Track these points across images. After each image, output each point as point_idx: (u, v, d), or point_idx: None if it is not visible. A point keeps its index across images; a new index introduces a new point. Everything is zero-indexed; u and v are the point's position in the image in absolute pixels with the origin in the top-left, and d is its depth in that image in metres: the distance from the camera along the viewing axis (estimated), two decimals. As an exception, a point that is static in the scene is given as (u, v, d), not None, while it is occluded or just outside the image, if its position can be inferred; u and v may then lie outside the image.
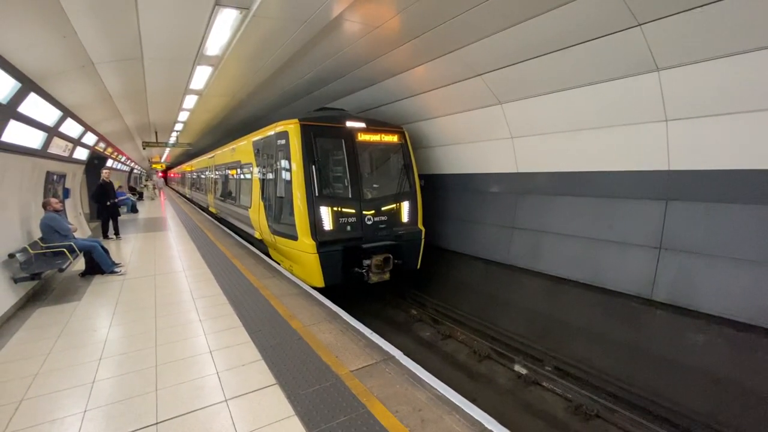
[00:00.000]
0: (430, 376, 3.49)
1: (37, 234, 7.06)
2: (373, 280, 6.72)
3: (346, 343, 4.14)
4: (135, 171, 37.07)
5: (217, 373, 3.54)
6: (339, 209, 6.70)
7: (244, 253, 8.77)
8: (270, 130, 7.71)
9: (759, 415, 4.10)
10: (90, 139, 11.45)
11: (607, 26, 4.41)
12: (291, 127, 6.79)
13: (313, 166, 6.59)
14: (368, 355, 3.85)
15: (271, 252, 8.45)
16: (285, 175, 6.93)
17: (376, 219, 7.10)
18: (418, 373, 3.52)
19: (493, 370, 5.86)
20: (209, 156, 16.55)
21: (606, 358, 5.41)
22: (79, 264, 7.19)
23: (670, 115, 4.67)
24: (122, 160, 22.45)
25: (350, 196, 6.96)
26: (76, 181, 12.39)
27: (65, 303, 5.55)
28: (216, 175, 14.82)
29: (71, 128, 9.15)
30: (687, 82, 4.33)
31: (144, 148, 17.44)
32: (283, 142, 6.96)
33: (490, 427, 2.80)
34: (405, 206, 7.55)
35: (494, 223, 7.90)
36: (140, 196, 26.01)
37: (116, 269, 7.05)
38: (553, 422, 4.74)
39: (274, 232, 7.37)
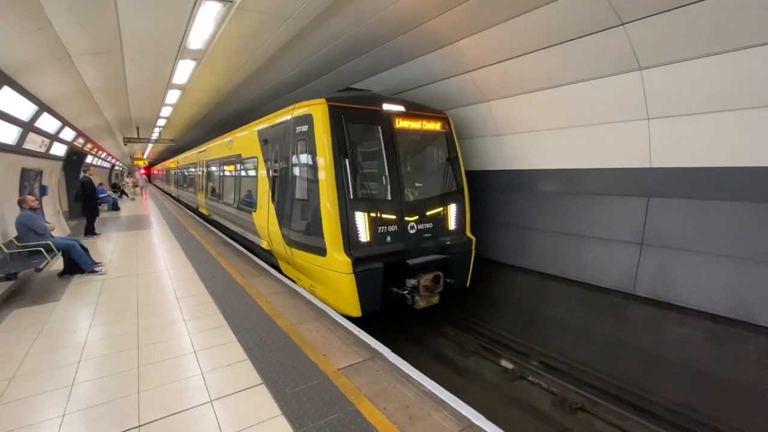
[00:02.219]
0: (418, 372, 3.50)
1: (13, 233, 6.82)
2: (421, 305, 5.46)
3: (334, 341, 4.12)
4: (116, 168, 36.23)
5: (202, 373, 3.47)
6: (378, 215, 5.33)
7: (229, 251, 8.65)
8: (284, 115, 6.24)
9: (736, 403, 4.24)
10: (68, 134, 11.11)
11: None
12: (317, 109, 5.33)
13: (347, 160, 5.18)
14: (356, 353, 3.84)
15: (282, 266, 7.06)
16: (307, 172, 5.59)
17: (420, 226, 5.75)
18: (405, 370, 3.52)
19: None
20: (199, 150, 14.65)
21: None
22: (58, 263, 6.99)
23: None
24: (102, 156, 21.88)
25: (390, 197, 5.57)
26: (53, 178, 12.03)
27: (43, 304, 5.37)
28: (208, 171, 12.97)
29: (48, 123, 8.86)
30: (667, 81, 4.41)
31: (125, 144, 17.01)
32: (304, 128, 5.55)
33: (477, 423, 2.82)
34: (452, 210, 6.20)
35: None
36: (122, 194, 25.39)
37: (96, 269, 6.87)
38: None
39: (291, 244, 5.94)
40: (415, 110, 6.14)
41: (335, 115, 5.28)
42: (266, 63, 7.35)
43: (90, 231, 10.71)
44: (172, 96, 10.16)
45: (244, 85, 9.23)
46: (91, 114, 11.26)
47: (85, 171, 11.21)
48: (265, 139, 7.12)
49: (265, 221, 6.88)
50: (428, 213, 5.91)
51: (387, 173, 5.63)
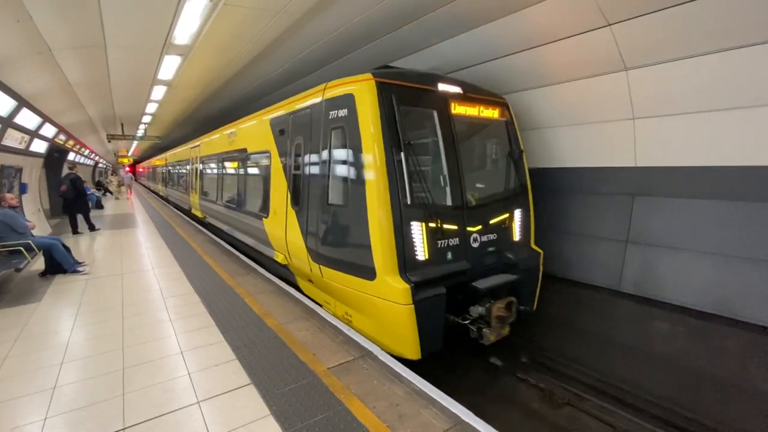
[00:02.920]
0: (408, 370, 3.50)
1: (-9, 232, 6.62)
2: (491, 339, 4.37)
3: (323, 340, 4.10)
4: (100, 165, 35.49)
5: (189, 374, 3.42)
6: (438, 225, 4.25)
7: (217, 250, 8.54)
8: (311, 98, 5.08)
9: (716, 396, 4.34)
10: (49, 130, 10.84)
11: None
12: (361, 89, 4.21)
13: (401, 155, 4.06)
14: (346, 352, 3.83)
15: (302, 284, 5.91)
16: (346, 171, 4.46)
17: (483, 238, 4.72)
18: (395, 368, 3.52)
19: None
20: (193, 145, 13.17)
21: None
22: (39, 263, 6.82)
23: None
24: (85, 153, 21.39)
25: (450, 202, 4.51)
26: (34, 175, 11.72)
27: (23, 305, 5.23)
28: (203, 169, 11.54)
29: (27, 119, 8.63)
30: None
31: (109, 141, 16.67)
32: (341, 113, 4.44)
33: (466, 420, 2.84)
34: (517, 217, 5.16)
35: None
36: (106, 191, 24.86)
37: (79, 268, 6.71)
38: None
39: (319, 260, 4.80)
40: (473, 92, 5.04)
41: (385, 96, 4.14)
42: (256, 58, 7.24)
43: (90, 227, 10.90)
44: (158, 92, 9.98)
45: (233, 81, 9.10)
46: (73, 110, 11.00)
47: (72, 168, 11.00)
48: (280, 130, 5.88)
49: (282, 230, 5.66)
50: (492, 221, 4.83)
51: (446, 171, 4.54)
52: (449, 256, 4.36)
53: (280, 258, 6.00)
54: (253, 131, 7.29)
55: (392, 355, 3.85)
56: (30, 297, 5.55)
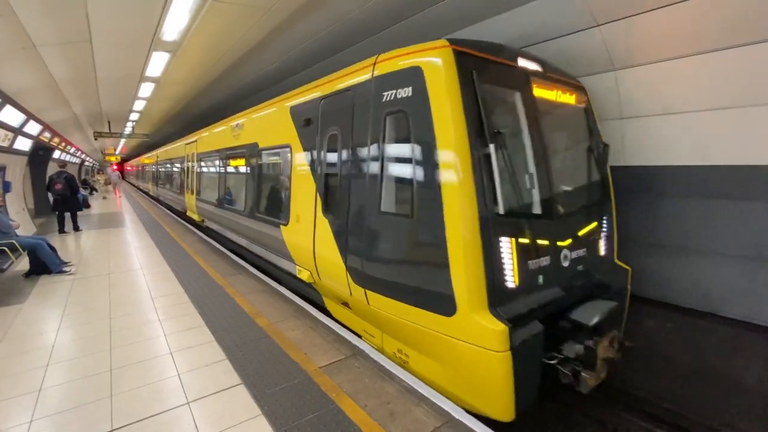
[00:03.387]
0: (399, 368, 3.52)
1: (-27, 231, 6.47)
2: (590, 385, 3.33)
3: (315, 339, 4.09)
4: (86, 163, 34.89)
5: (179, 374, 3.39)
6: (530, 240, 3.33)
7: (207, 250, 8.46)
8: (355, 76, 4.03)
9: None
10: (33, 128, 10.63)
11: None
12: (435, 60, 3.21)
13: (491, 148, 3.05)
14: (337, 351, 3.82)
15: (331, 306, 4.97)
16: (411, 169, 3.37)
17: (574, 255, 3.75)
18: (387, 366, 3.53)
19: None
20: (187, 141, 12.12)
21: None
22: (23, 263, 6.68)
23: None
24: (71, 151, 21.00)
25: (540, 210, 3.52)
26: (18, 173, 11.48)
27: (7, 306, 5.12)
28: (202, 167, 10.35)
29: (11, 116, 8.46)
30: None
31: (96, 139, 16.38)
32: (403, 93, 3.41)
33: (457, 417, 2.86)
34: (603, 227, 4.28)
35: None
36: (92, 190, 24.42)
37: (65, 268, 6.60)
38: None
39: (365, 283, 3.77)
40: (552, 72, 4.10)
41: (465, 71, 3.16)
42: (246, 55, 7.15)
43: (74, 227, 10.73)
44: (146, 89, 9.83)
45: (223, 78, 9.00)
46: (58, 107, 10.78)
47: (63, 167, 10.83)
48: (306, 119, 4.89)
49: (307, 241, 4.69)
50: (581, 232, 3.92)
51: (534, 170, 3.56)
52: (540, 280, 3.38)
53: (304, 275, 4.95)
54: (267, 123, 6.30)
55: (478, 417, 2.95)
56: (14, 298, 5.44)
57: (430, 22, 5.24)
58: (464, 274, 2.97)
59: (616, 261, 4.45)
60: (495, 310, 2.97)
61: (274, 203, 5.99)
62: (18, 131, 9.58)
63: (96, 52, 6.52)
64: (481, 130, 3.11)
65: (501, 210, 3.06)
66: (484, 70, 3.30)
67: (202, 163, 10.28)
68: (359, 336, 4.29)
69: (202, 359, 3.65)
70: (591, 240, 4.05)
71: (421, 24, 5.34)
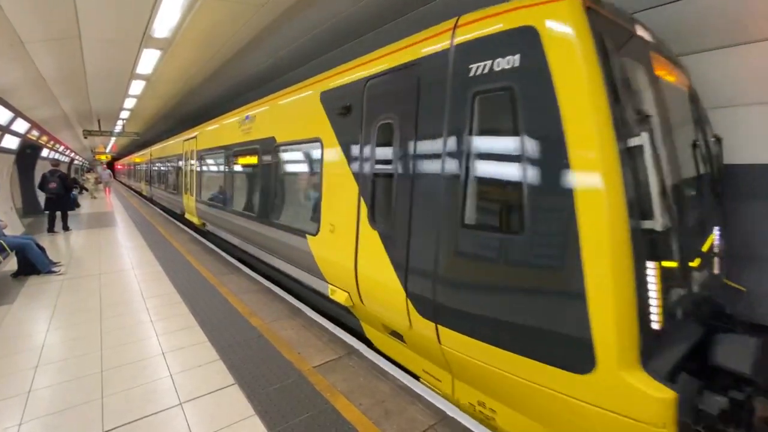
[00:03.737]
0: (394, 367, 3.52)
1: (-41, 231, 6.35)
2: None
3: (309, 338, 4.07)
4: (76, 162, 34.41)
5: (171, 375, 3.36)
6: (672, 264, 2.44)
7: (199, 249, 8.39)
8: (425, 44, 3.16)
9: None
10: (21, 126, 10.45)
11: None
12: (553, 17, 2.30)
13: (644, 138, 2.16)
14: (331, 350, 3.82)
15: (373, 335, 4.12)
16: (520, 168, 2.40)
17: (699, 276, 2.97)
18: (381, 365, 3.53)
19: None
20: (185, 138, 11.12)
21: None
22: (11, 264, 6.57)
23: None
24: (60, 150, 20.69)
25: (678, 220, 2.61)
26: (5, 172, 11.29)
27: (-6, 307, 5.04)
28: (203, 166, 9.41)
29: (-2, 114, 8.29)
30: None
31: (85, 137, 16.16)
32: (506, 64, 2.48)
33: (451, 415, 2.87)
34: (717, 240, 3.46)
35: None
36: (82, 189, 24.08)
37: (54, 269, 6.50)
38: None
39: (443, 317, 2.87)
40: (663, 46, 3.25)
41: (597, 36, 2.25)
42: (239, 53, 7.08)
43: (64, 226, 10.62)
44: (137, 87, 9.72)
45: (216, 76, 8.91)
46: (47, 104, 10.62)
47: (56, 166, 10.68)
48: (344, 106, 3.97)
49: (347, 256, 3.80)
50: (704, 248, 3.20)
51: (670, 171, 2.86)
52: (679, 313, 2.56)
53: (340, 297, 4.04)
54: (287, 114, 5.39)
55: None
56: (2, 299, 5.34)
57: (433, 14, 5.13)
58: (613, 312, 2.06)
59: (726, 280, 3.58)
60: (648, 364, 2.12)
61: (297, 209, 5.24)
62: (5, 129, 9.42)
63: (85, 49, 6.43)
64: (624, 115, 2.25)
65: (658, 225, 2.16)
66: (614, 36, 2.44)
67: (204, 162, 9.28)
68: (417, 378, 3.51)
69: (195, 359, 3.62)
70: (709, 257, 3.26)
71: (421, 24, 5.36)
